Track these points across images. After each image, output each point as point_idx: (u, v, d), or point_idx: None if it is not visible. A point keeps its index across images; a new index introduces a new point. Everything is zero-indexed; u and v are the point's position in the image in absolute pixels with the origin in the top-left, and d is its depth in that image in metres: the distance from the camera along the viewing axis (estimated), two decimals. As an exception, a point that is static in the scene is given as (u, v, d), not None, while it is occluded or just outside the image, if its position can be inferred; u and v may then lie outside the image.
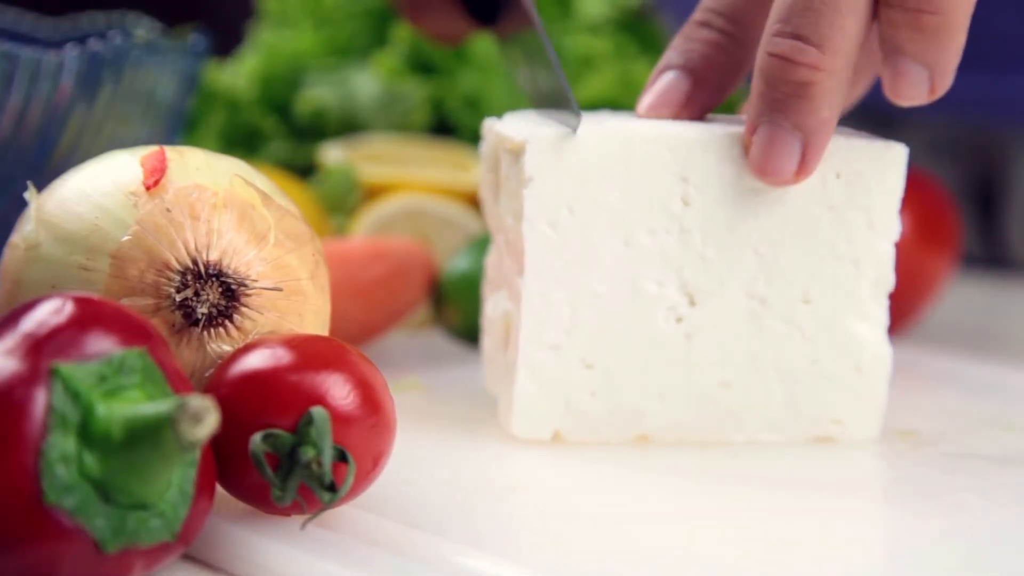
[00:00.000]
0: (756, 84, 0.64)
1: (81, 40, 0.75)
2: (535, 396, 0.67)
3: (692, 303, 0.68)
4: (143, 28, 0.86)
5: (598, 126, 0.67)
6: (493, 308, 0.71)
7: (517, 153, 0.66)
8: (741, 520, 0.61)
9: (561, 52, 1.07)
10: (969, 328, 0.97)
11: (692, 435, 0.69)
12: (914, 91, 0.65)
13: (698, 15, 0.69)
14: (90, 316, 0.51)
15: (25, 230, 0.59)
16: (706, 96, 0.68)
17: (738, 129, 0.67)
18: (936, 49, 0.64)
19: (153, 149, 0.60)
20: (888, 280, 0.68)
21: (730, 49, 0.68)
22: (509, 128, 0.68)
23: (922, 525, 0.61)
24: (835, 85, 0.63)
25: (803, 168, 0.65)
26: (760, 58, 0.64)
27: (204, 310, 0.57)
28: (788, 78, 0.63)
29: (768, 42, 0.64)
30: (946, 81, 0.65)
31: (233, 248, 0.58)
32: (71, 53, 0.72)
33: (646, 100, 0.68)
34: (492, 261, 0.72)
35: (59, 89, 0.72)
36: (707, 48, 0.68)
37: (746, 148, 0.66)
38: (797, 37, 0.63)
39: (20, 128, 0.71)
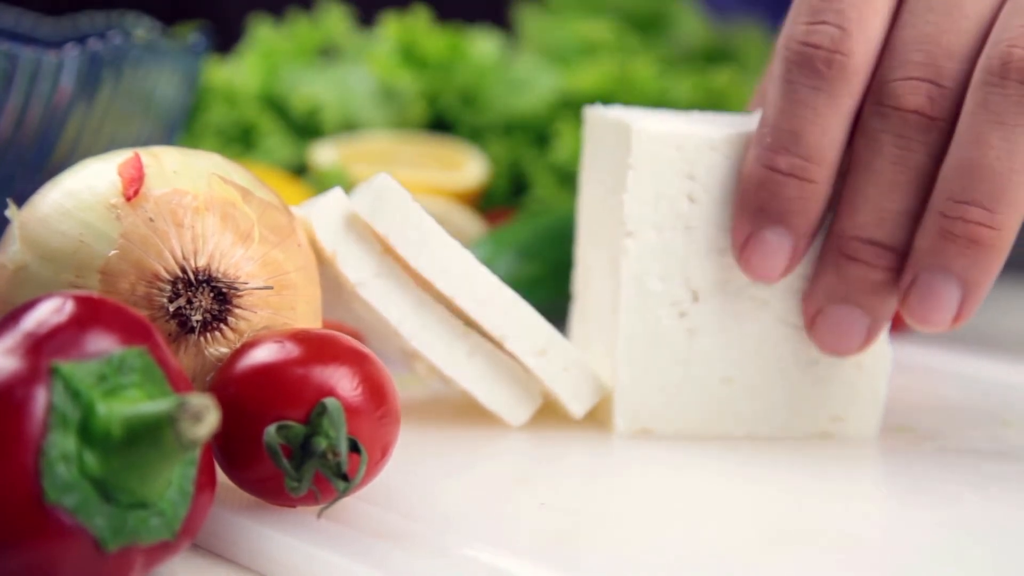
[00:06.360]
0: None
1: (81, 40, 0.75)
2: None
3: (695, 299, 0.68)
4: (143, 28, 0.86)
5: (607, 123, 0.67)
6: None
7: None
8: (738, 512, 0.61)
9: (564, 36, 1.08)
10: (968, 326, 0.97)
11: (692, 429, 0.69)
12: (941, 315, 0.64)
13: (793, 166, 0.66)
14: (90, 315, 0.51)
15: (11, 251, 0.59)
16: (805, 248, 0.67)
17: (745, 130, 0.67)
18: (980, 268, 0.63)
19: (128, 156, 0.60)
20: None
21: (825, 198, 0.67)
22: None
23: (918, 519, 0.61)
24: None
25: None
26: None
27: (198, 317, 0.58)
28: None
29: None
30: (973, 308, 0.64)
31: (220, 251, 0.58)
32: (71, 53, 0.72)
33: (753, 261, 0.67)
34: None
35: (59, 89, 0.72)
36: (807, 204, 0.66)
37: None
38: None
39: (20, 128, 0.71)
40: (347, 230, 0.65)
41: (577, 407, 0.68)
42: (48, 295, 0.51)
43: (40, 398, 0.48)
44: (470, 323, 0.67)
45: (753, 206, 0.66)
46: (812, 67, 0.64)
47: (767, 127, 0.65)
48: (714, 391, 0.69)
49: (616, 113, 0.69)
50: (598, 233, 0.71)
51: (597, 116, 0.72)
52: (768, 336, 0.68)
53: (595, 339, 0.71)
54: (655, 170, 0.67)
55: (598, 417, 0.70)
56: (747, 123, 0.68)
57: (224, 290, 0.58)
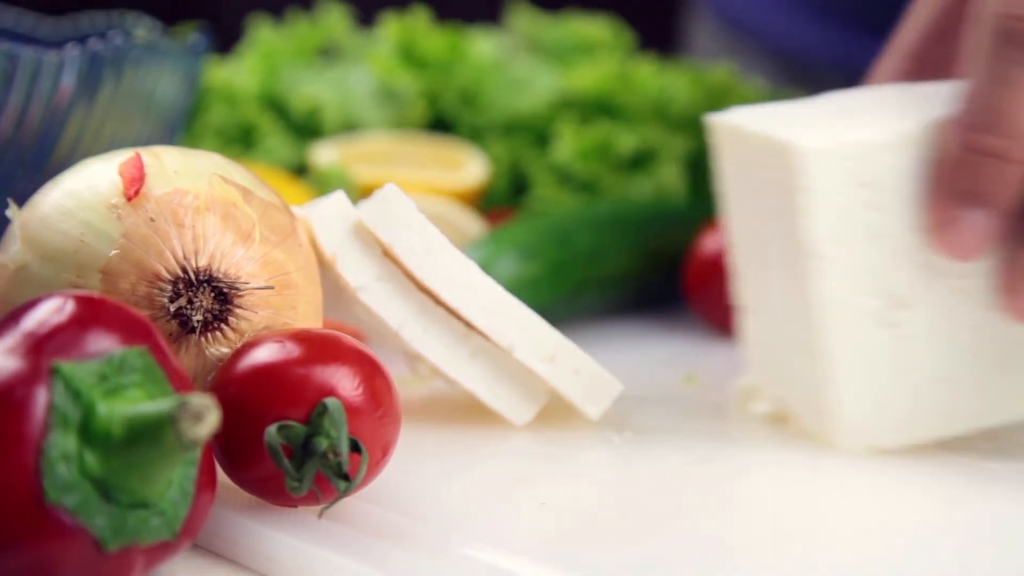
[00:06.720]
0: None
1: (81, 40, 0.75)
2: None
3: (900, 306, 0.66)
4: (143, 28, 0.86)
5: (749, 137, 0.65)
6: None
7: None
8: (735, 510, 0.61)
9: (559, 36, 1.07)
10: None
11: (919, 436, 0.67)
12: None
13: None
14: (91, 315, 0.51)
15: (11, 250, 0.59)
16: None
17: (913, 125, 0.65)
18: None
19: (129, 155, 0.60)
20: None
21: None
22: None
23: (920, 519, 0.61)
24: None
25: None
26: None
27: (199, 317, 0.58)
28: None
29: None
30: None
31: (220, 251, 0.58)
32: (71, 53, 0.72)
33: (951, 242, 0.65)
34: None
35: (59, 89, 0.72)
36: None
37: None
38: None
39: (20, 128, 0.71)
40: (348, 233, 0.65)
41: (592, 409, 0.68)
42: (49, 295, 0.51)
43: (41, 398, 0.49)
44: (472, 327, 0.67)
45: (952, 187, 0.64)
46: (1020, 41, 0.62)
47: (969, 104, 0.63)
48: (935, 393, 0.67)
49: (756, 124, 0.66)
50: (766, 253, 0.68)
51: (731, 128, 0.68)
52: (977, 327, 0.66)
53: (790, 357, 0.68)
54: (827, 187, 0.64)
55: (818, 437, 0.68)
56: (901, 109, 0.65)
57: (225, 290, 0.58)
